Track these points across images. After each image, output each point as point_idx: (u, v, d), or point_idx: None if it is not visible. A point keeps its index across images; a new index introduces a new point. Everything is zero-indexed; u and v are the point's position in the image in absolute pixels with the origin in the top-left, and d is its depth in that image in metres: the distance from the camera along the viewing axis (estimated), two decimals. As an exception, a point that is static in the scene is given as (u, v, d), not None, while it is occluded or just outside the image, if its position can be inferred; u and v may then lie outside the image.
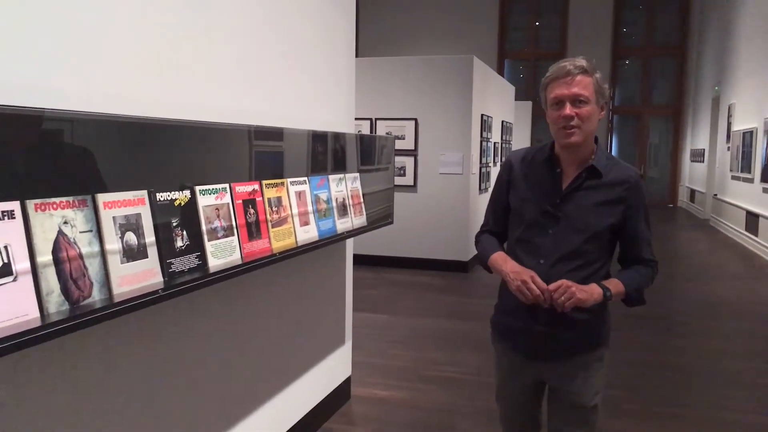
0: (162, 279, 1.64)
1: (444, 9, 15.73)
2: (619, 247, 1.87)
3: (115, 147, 1.57)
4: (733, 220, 10.08)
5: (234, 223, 1.98)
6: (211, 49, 2.14)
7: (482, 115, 7.53)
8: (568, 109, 1.70)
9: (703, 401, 3.52)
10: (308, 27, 2.83)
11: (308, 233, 2.46)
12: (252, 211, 2.09)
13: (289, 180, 2.37)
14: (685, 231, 11.39)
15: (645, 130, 15.86)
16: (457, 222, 7.14)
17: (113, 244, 1.49)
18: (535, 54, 15.94)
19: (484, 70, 7.75)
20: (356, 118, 3.49)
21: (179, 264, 1.71)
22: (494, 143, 8.50)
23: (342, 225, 2.75)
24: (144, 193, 1.62)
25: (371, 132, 7.06)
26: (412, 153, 7.12)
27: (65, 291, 1.34)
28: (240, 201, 2.03)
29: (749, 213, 9.12)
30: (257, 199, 2.13)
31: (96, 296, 1.43)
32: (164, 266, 1.65)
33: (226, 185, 1.97)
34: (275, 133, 2.36)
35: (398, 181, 6.65)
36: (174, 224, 1.71)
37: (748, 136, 9.45)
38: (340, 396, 3.37)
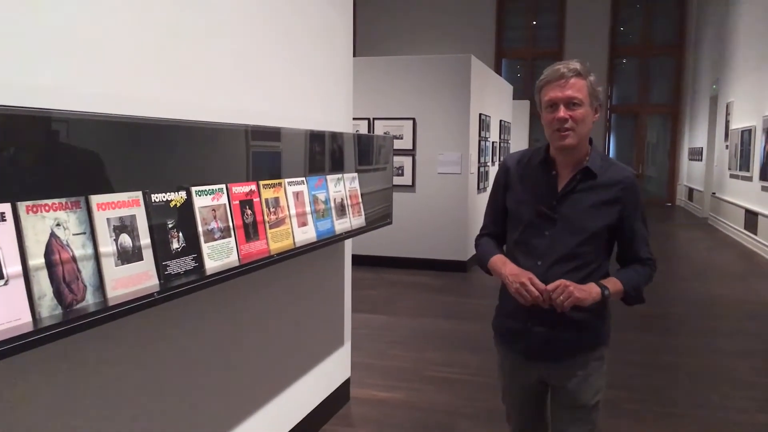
0: (158, 282, 1.62)
1: (441, 8, 15.72)
2: (617, 246, 1.90)
3: (108, 147, 1.55)
4: (732, 219, 10.08)
5: (231, 225, 1.95)
6: (209, 49, 2.12)
7: (480, 114, 7.52)
8: (562, 112, 1.72)
9: (702, 400, 3.51)
10: (306, 26, 2.81)
11: (306, 234, 2.43)
12: (249, 212, 2.07)
13: (287, 180, 2.35)
14: (684, 230, 11.39)
15: (643, 129, 15.87)
16: (456, 222, 7.13)
17: (107, 246, 1.46)
18: (532, 53, 15.92)
19: (482, 69, 7.73)
20: (354, 118, 3.47)
21: (175, 266, 1.68)
22: (492, 143, 8.48)
23: (340, 225, 2.73)
24: (139, 194, 1.59)
25: (369, 132, 7.04)
26: (410, 153, 7.11)
27: (58, 295, 1.32)
28: (237, 202, 2.00)
29: (748, 211, 9.12)
30: (254, 199, 2.11)
31: (90, 300, 1.40)
32: (160, 269, 1.63)
33: (223, 186, 1.94)
34: (272, 133, 2.33)
35: (396, 181, 6.63)
36: (170, 226, 1.68)
37: (747, 134, 9.44)
38: (339, 398, 3.35)
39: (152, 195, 1.63)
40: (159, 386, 1.97)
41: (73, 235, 1.37)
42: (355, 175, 2.96)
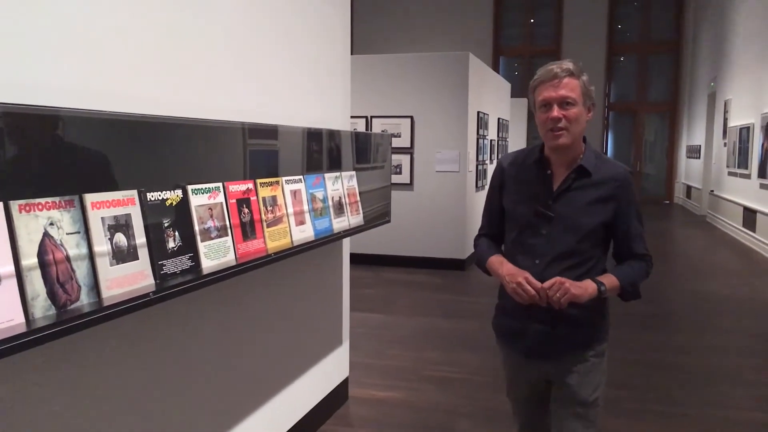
0: (153, 281, 1.60)
1: (439, 6, 15.70)
2: (613, 243, 1.92)
3: (103, 145, 1.53)
4: (730, 217, 10.08)
5: (228, 223, 1.93)
6: (207, 47, 2.10)
7: (478, 112, 7.50)
8: (556, 111, 1.74)
9: (702, 399, 3.50)
10: (304, 25, 2.79)
11: (304, 233, 2.41)
12: (246, 210, 2.05)
13: (285, 179, 2.33)
14: (682, 228, 11.39)
15: (641, 127, 15.85)
16: (454, 220, 7.11)
17: (102, 245, 1.44)
18: (530, 51, 15.88)
19: (480, 67, 7.71)
20: (352, 116, 3.45)
21: (171, 266, 1.66)
22: (490, 140, 8.47)
23: (338, 224, 2.71)
24: (134, 193, 1.57)
25: (367, 130, 7.02)
26: (409, 151, 7.09)
27: (52, 295, 1.30)
28: (234, 200, 1.98)
29: (746, 209, 9.12)
30: (252, 198, 2.09)
31: (84, 300, 1.38)
32: (156, 268, 1.61)
33: (220, 184, 1.92)
34: (270, 131, 2.31)
35: (394, 179, 6.60)
36: (165, 225, 1.66)
37: (745, 132, 9.44)
38: (337, 397, 3.33)
39: (148, 193, 1.61)
40: (158, 386, 1.95)
41: (67, 234, 1.35)
42: (353, 173, 2.94)
